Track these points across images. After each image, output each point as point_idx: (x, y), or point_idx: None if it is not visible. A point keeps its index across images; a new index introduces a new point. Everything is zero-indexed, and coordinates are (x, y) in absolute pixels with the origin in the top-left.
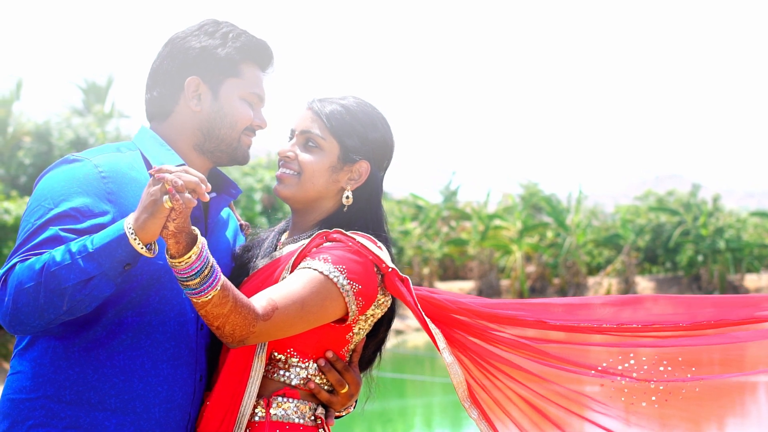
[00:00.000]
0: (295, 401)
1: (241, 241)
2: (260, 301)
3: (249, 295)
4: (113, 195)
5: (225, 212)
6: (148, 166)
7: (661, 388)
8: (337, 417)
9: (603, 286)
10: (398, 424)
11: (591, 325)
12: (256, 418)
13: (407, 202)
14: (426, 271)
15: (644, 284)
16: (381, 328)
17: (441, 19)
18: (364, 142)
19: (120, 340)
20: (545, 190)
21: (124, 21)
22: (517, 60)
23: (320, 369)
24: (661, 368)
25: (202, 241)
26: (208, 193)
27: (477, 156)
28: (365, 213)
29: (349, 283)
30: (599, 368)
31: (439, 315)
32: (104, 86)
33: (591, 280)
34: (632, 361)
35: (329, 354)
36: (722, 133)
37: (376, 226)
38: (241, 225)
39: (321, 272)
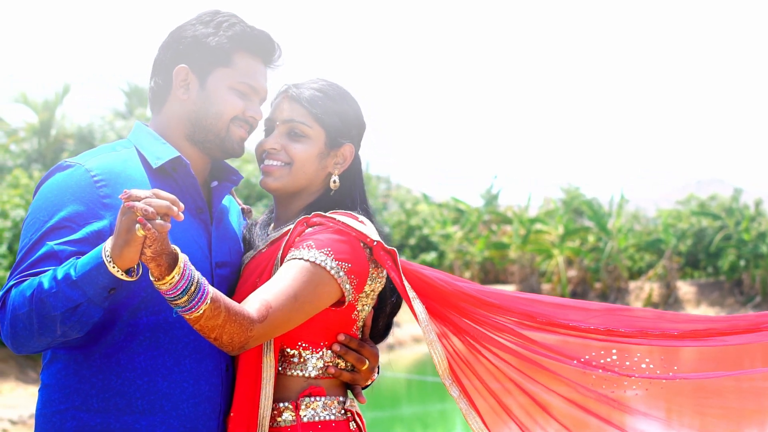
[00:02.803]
0: (323, 399)
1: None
2: (253, 304)
3: (247, 294)
4: (109, 198)
5: (226, 199)
6: (144, 162)
7: (642, 379)
8: (362, 388)
9: (644, 290)
10: (438, 427)
11: (578, 325)
12: (287, 423)
13: (448, 206)
14: (467, 274)
15: (686, 289)
16: (387, 301)
17: (485, 23)
18: (346, 125)
19: (138, 342)
20: (587, 194)
21: (168, 25)
22: (559, 64)
23: (337, 353)
24: (643, 365)
25: (183, 259)
26: (211, 182)
27: (518, 160)
28: (351, 194)
29: (338, 264)
30: (582, 359)
31: (432, 293)
32: (147, 89)
33: (632, 285)
34: (614, 357)
35: (341, 337)
36: (765, 137)
37: (361, 205)
38: (242, 209)
39: (308, 260)
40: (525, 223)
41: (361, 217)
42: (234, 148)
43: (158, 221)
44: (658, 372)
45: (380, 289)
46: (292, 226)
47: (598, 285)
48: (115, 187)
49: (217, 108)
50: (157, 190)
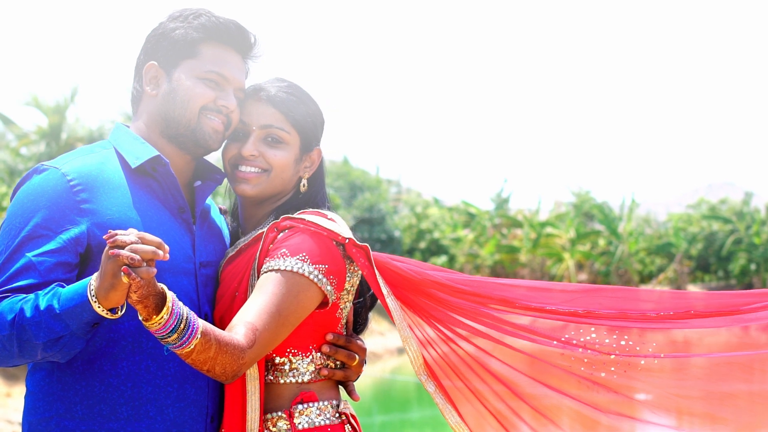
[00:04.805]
0: (316, 404)
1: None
2: (239, 330)
3: (227, 305)
4: (86, 202)
5: (207, 199)
6: (123, 162)
7: (621, 359)
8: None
9: None
10: (448, 430)
11: (557, 308)
12: None
13: (459, 210)
14: None
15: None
16: (366, 295)
17: (495, 25)
18: (316, 128)
19: (121, 347)
20: (597, 197)
21: None
22: (570, 68)
23: (328, 354)
24: (623, 342)
25: (171, 298)
26: (194, 182)
27: (529, 163)
28: (317, 195)
29: (315, 268)
30: (562, 339)
31: (406, 284)
32: None
33: (643, 288)
34: (594, 335)
35: (329, 337)
36: None
37: (327, 204)
38: (219, 209)
39: (285, 270)
40: (535, 227)
41: (331, 215)
42: (207, 140)
43: (143, 269)
44: (637, 349)
45: (357, 282)
46: (264, 230)
47: None
48: (93, 191)
49: (183, 98)
50: (142, 234)
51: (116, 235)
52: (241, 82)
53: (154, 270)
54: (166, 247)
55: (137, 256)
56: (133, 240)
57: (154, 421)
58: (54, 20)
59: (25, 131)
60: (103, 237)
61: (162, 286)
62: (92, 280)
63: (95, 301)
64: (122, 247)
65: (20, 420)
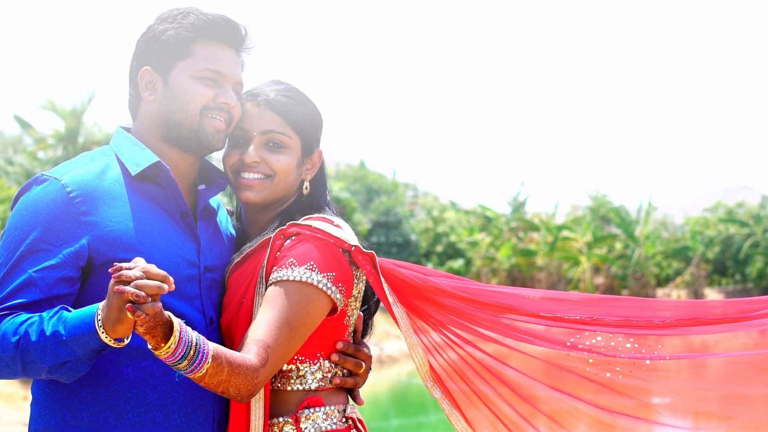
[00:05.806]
0: (322, 409)
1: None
2: (251, 349)
3: (234, 312)
4: (86, 214)
5: (214, 201)
6: (123, 168)
7: (626, 360)
8: None
9: (672, 298)
10: None
11: (563, 316)
12: None
13: (475, 213)
14: (494, 281)
15: (713, 296)
16: (370, 301)
17: (512, 28)
18: (316, 130)
19: (126, 353)
20: (614, 201)
21: None
22: (586, 72)
23: (336, 363)
24: (628, 345)
25: (177, 326)
26: (198, 186)
27: (545, 167)
28: (320, 197)
29: (324, 276)
30: (567, 343)
31: (411, 290)
32: None
33: (660, 292)
34: (599, 337)
35: (339, 345)
36: None
37: (330, 206)
38: (228, 211)
39: (294, 280)
40: (552, 230)
41: (337, 220)
42: (210, 140)
43: (148, 305)
44: (643, 351)
45: (363, 289)
46: (271, 236)
47: (625, 292)
48: (93, 203)
49: (182, 100)
50: (147, 268)
51: (122, 269)
52: (238, 77)
53: (159, 304)
54: (171, 280)
55: (142, 293)
56: (138, 275)
57: (160, 427)
58: (70, 24)
59: (42, 135)
60: (109, 270)
61: (168, 314)
62: (99, 310)
63: (103, 332)
64: (127, 282)
65: None
